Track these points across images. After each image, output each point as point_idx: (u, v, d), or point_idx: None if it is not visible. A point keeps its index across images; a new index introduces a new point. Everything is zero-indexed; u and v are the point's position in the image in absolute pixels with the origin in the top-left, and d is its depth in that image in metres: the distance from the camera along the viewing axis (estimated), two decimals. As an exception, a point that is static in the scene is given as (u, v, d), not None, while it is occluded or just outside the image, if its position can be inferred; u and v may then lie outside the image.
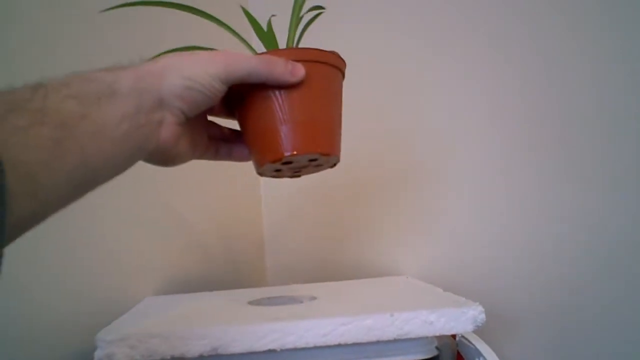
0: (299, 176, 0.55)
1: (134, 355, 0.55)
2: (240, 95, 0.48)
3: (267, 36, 0.53)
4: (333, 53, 0.49)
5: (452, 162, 0.95)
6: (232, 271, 0.98)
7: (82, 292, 0.68)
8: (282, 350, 0.56)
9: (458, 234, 0.93)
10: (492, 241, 0.91)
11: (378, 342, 0.58)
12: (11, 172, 0.29)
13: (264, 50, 0.51)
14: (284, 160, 0.47)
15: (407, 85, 0.98)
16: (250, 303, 0.69)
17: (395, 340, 0.58)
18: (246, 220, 1.05)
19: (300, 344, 0.56)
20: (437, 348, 0.63)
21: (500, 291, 0.89)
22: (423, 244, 0.95)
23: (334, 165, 0.53)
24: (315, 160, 0.49)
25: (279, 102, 0.46)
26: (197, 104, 0.42)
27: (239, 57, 0.43)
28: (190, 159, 0.47)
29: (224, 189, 0.98)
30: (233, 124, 0.52)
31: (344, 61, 0.51)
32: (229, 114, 0.52)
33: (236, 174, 0.98)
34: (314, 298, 0.70)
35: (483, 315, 0.58)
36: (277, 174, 0.52)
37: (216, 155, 0.51)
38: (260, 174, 0.51)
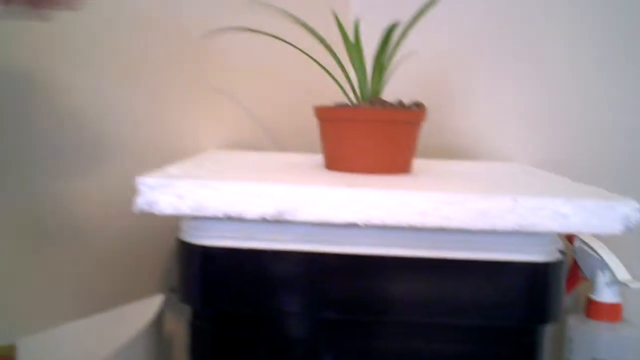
0: None
1: (181, 207, 0.44)
2: None
3: (353, 48, 0.54)
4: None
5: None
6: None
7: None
8: (366, 226, 0.43)
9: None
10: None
11: (490, 232, 0.44)
12: None
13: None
14: None
15: None
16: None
17: (512, 232, 0.44)
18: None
19: (390, 221, 0.43)
20: (561, 252, 0.49)
21: None
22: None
23: None
24: None
25: None
26: None
27: None
28: None
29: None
30: None
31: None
32: None
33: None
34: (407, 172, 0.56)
35: (639, 215, 0.43)
36: None
37: None
38: None
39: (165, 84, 0.65)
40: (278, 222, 0.45)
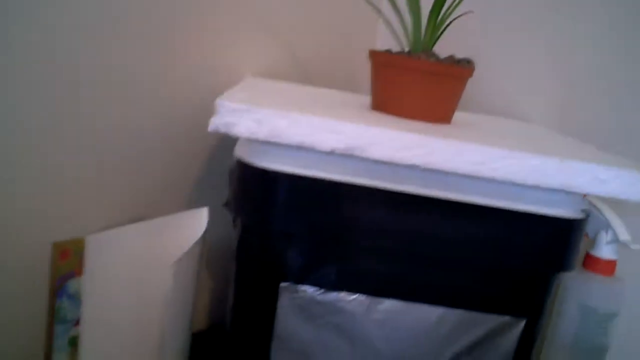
0: None
1: (257, 132, 0.47)
2: None
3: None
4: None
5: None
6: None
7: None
8: (424, 170, 0.48)
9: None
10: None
11: (532, 187, 0.49)
12: None
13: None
14: None
15: None
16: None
17: (550, 190, 0.49)
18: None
19: (447, 167, 0.47)
20: (583, 210, 0.55)
21: None
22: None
23: None
24: None
25: None
26: None
27: None
28: None
29: None
30: None
31: None
32: None
33: None
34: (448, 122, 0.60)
35: (668, 187, 0.48)
36: None
37: None
38: None
39: (208, 9, 0.66)
40: (342, 156, 0.49)
